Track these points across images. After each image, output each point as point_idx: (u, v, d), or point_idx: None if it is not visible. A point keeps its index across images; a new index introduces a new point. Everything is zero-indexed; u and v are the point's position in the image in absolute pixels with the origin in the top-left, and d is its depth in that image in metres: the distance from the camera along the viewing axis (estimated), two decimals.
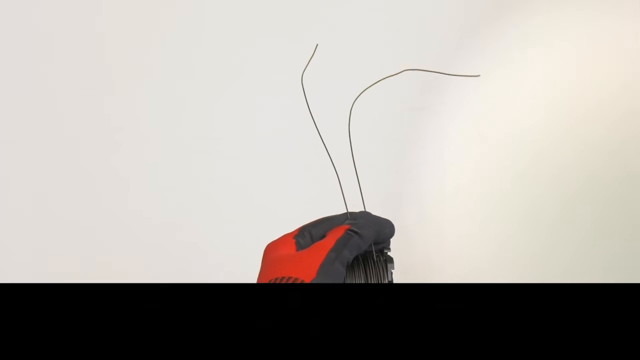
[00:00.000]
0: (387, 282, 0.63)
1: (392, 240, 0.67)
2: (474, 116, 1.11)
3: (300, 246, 0.64)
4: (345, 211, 0.66)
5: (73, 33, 1.12)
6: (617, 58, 1.09)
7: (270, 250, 0.65)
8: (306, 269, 0.60)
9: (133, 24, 1.12)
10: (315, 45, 0.69)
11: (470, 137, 1.10)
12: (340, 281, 0.61)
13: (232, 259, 1.10)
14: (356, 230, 0.63)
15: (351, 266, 0.64)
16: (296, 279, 0.59)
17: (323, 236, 0.65)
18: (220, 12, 1.13)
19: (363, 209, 0.67)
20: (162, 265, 1.12)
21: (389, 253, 0.66)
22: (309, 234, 0.65)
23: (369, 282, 0.63)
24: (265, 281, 0.61)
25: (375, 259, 0.65)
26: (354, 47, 1.13)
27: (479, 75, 0.70)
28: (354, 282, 0.63)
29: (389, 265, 0.64)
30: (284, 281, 0.60)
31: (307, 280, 0.59)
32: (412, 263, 1.00)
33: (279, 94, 1.13)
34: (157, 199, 1.13)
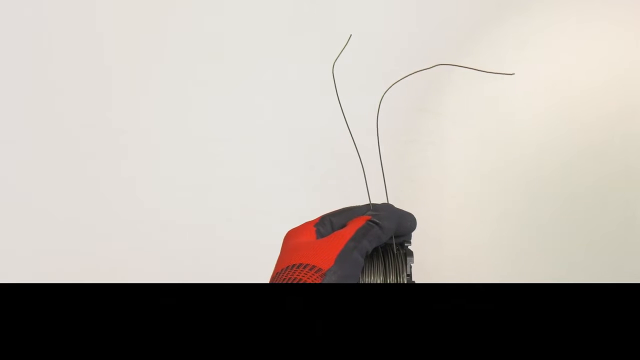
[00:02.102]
0: (405, 275, 0.63)
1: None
2: (474, 117, 1.10)
3: (320, 234, 0.64)
4: (368, 202, 0.66)
5: (77, 35, 1.12)
6: (618, 58, 1.07)
7: (290, 237, 0.65)
8: (324, 257, 0.60)
9: (138, 20, 1.12)
10: (349, 36, 0.69)
11: (470, 138, 1.09)
12: (358, 271, 0.61)
13: (254, 252, 1.10)
14: (377, 221, 0.63)
15: (370, 257, 0.64)
16: (313, 266, 0.59)
17: (344, 225, 0.65)
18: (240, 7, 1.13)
19: (386, 201, 0.67)
20: (188, 263, 1.13)
21: (409, 247, 0.66)
22: (329, 223, 0.65)
23: (387, 274, 0.63)
24: (283, 267, 0.61)
25: (395, 251, 0.65)
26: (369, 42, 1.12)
27: (513, 74, 0.69)
28: (372, 273, 0.63)
29: (408, 258, 0.64)
30: (301, 268, 0.60)
31: (325, 268, 0.59)
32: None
33: (302, 85, 1.12)
34: (175, 198, 1.13)
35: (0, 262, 1.11)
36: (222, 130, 1.12)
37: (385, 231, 0.63)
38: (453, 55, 1.09)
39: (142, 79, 1.13)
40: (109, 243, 1.12)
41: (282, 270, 0.61)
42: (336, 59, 0.68)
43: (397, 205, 0.66)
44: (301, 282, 0.59)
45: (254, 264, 1.08)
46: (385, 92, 0.68)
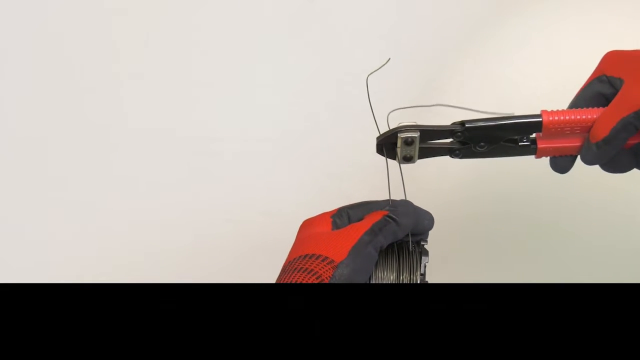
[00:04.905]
0: (419, 274, 0.63)
1: None
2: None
3: (336, 226, 0.64)
4: (388, 198, 0.66)
5: (75, 33, 1.11)
6: None
7: (306, 227, 0.65)
8: (338, 249, 0.60)
9: (137, 19, 1.11)
10: (388, 59, 0.69)
11: None
12: (371, 265, 0.61)
13: (254, 252, 1.10)
14: (394, 217, 0.62)
15: (385, 253, 0.63)
16: (326, 257, 0.59)
17: (361, 219, 0.64)
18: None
19: (404, 198, 0.67)
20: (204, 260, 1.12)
21: (425, 246, 0.65)
22: (346, 215, 0.65)
23: (401, 271, 0.63)
24: (296, 256, 0.61)
25: (410, 249, 0.64)
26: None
27: (513, 114, 0.69)
28: (385, 269, 0.63)
29: (423, 257, 0.64)
30: (313, 259, 0.59)
31: (338, 260, 0.59)
32: None
33: (304, 85, 1.11)
34: (174, 197, 1.11)
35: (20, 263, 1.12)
36: (222, 129, 1.11)
37: (402, 228, 0.63)
38: (454, 57, 1.08)
39: (142, 78, 1.12)
40: (106, 243, 1.11)
41: (294, 259, 0.61)
42: (371, 74, 0.68)
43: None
44: (312, 272, 0.59)
45: (254, 264, 1.08)
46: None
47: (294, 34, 1.11)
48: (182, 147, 1.11)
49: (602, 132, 0.64)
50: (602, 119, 0.64)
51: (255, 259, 1.09)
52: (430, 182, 1.05)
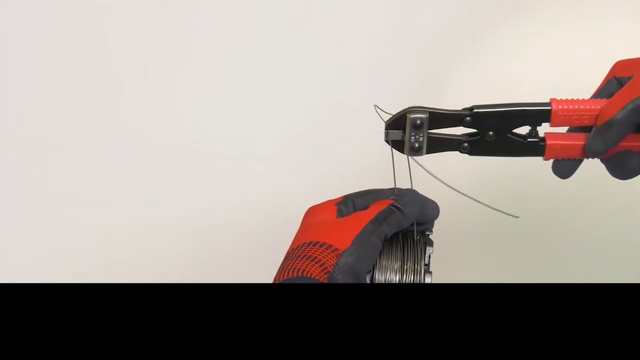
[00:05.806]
0: (423, 263, 0.62)
1: None
2: None
3: (341, 213, 0.64)
4: (393, 186, 0.65)
5: (75, 33, 1.11)
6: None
7: (311, 214, 0.65)
8: (342, 237, 0.59)
9: (136, 18, 1.11)
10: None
11: None
12: (375, 254, 0.60)
13: (254, 252, 1.10)
14: (399, 206, 0.62)
15: (389, 242, 0.63)
16: (330, 245, 0.59)
17: (366, 207, 0.64)
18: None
19: (410, 187, 0.66)
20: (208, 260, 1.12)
21: (430, 235, 0.65)
22: (352, 203, 0.65)
23: (405, 260, 0.63)
24: (300, 244, 0.61)
25: (415, 238, 0.64)
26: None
27: (518, 217, 0.70)
28: (389, 257, 0.63)
29: (427, 247, 0.63)
30: (317, 246, 0.59)
31: (341, 249, 0.59)
32: None
33: (302, 82, 1.11)
34: (173, 198, 1.11)
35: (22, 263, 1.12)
36: (222, 129, 1.11)
37: (407, 217, 0.62)
38: (454, 57, 1.08)
39: (142, 78, 1.11)
40: (106, 243, 1.11)
41: (298, 246, 0.60)
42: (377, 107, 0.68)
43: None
44: (316, 259, 0.58)
45: (254, 264, 1.08)
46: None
47: (294, 33, 1.11)
48: (182, 147, 1.11)
49: (611, 112, 0.63)
50: (612, 101, 0.63)
51: (255, 259, 1.08)
52: (434, 185, 1.05)
